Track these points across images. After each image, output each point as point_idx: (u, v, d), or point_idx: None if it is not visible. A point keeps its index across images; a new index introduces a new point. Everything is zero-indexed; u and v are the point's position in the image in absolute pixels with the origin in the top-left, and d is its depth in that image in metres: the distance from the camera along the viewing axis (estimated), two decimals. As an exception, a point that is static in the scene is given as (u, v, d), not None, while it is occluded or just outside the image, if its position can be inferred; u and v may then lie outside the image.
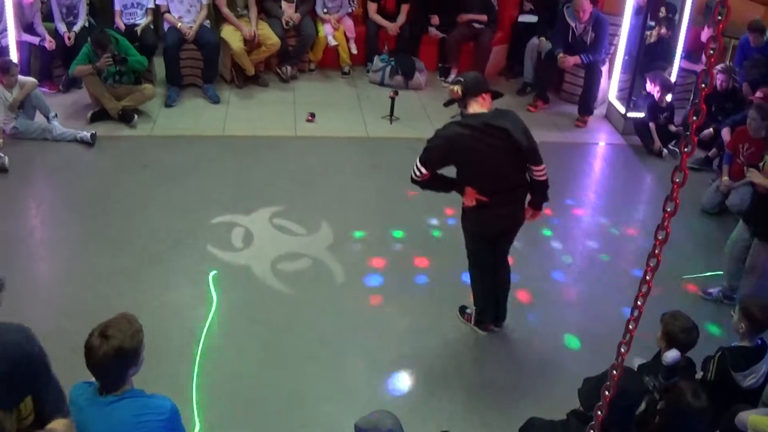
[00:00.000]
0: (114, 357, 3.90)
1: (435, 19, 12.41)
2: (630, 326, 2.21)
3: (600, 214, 9.12)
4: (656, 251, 2.14)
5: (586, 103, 11.34)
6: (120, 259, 7.57)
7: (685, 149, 2.06)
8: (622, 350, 2.26)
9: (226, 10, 11.42)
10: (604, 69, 11.49)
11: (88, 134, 9.72)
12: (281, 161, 9.64)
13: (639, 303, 2.17)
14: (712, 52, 1.97)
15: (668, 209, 2.11)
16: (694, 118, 2.01)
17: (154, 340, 4.33)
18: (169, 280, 7.36)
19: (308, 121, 10.77)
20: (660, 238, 2.15)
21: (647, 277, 2.15)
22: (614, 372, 2.32)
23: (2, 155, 8.95)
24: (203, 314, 6.96)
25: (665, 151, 10.37)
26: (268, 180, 9.18)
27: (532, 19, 12.47)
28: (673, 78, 10.90)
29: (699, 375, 5.67)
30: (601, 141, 10.97)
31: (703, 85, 1.99)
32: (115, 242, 7.85)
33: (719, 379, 5.55)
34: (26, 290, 7.17)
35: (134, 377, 4.10)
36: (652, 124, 10.48)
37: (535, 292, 7.57)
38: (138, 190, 8.82)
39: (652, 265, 2.16)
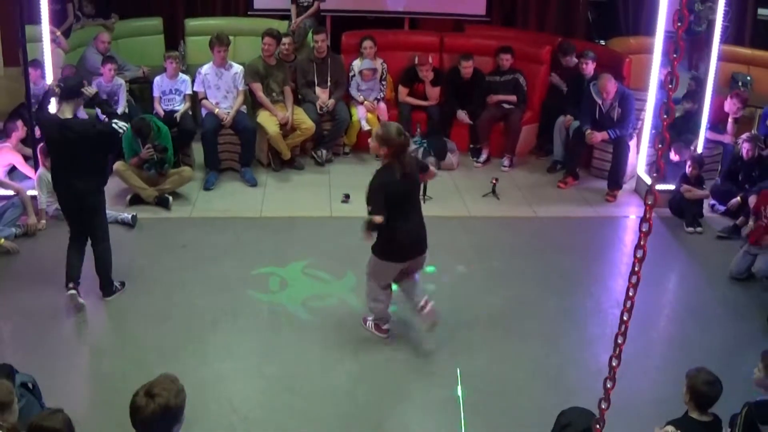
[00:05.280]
0: (161, 415, 4.06)
1: (463, 117, 12.67)
2: (613, 363, 2.39)
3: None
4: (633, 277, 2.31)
5: (615, 177, 11.48)
6: (161, 335, 7.77)
7: (654, 174, 2.26)
8: (608, 385, 2.43)
9: (261, 96, 11.73)
10: (632, 144, 11.66)
11: (129, 216, 9.98)
12: (317, 241, 9.84)
13: (619, 341, 2.35)
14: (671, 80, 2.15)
15: (643, 229, 2.30)
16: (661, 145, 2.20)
17: (193, 411, 4.49)
18: (208, 354, 7.53)
19: (343, 202, 10.97)
20: (638, 256, 2.32)
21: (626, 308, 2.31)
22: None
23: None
24: (242, 386, 7.14)
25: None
26: (304, 258, 9.40)
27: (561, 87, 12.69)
28: (699, 149, 11.05)
29: (727, 431, 5.76)
30: (631, 214, 11.07)
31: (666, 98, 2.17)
32: (156, 319, 8.04)
33: (747, 433, 5.63)
34: (69, 366, 7.38)
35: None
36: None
37: (568, 361, 7.68)
38: (178, 269, 9.03)
39: (631, 293, 2.34)
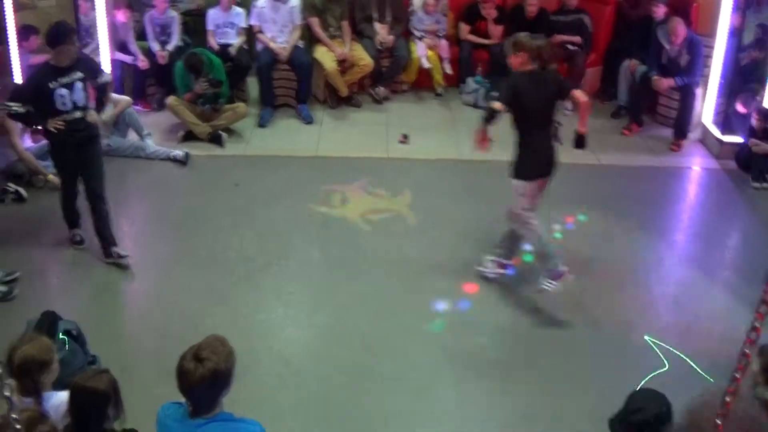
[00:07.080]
0: (210, 380, 3.87)
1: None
2: (737, 375, 2.14)
3: (693, 239, 8.94)
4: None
5: (681, 126, 11.12)
6: (211, 279, 7.65)
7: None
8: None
9: (318, 31, 11.54)
10: (699, 92, 11.26)
11: (181, 153, 9.87)
12: (373, 182, 9.66)
13: (747, 351, 2.09)
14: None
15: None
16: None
17: (242, 361, 4.32)
18: (259, 301, 7.42)
19: (401, 142, 10.77)
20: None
21: (756, 324, 2.07)
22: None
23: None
24: (292, 335, 6.99)
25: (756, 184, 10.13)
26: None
27: None
28: (766, 101, 10.60)
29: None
30: (696, 165, 10.72)
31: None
32: (207, 261, 7.94)
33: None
34: (117, 308, 7.29)
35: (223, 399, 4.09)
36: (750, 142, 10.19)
37: (627, 317, 7.43)
38: (230, 209, 8.89)
39: (762, 312, 2.08)
